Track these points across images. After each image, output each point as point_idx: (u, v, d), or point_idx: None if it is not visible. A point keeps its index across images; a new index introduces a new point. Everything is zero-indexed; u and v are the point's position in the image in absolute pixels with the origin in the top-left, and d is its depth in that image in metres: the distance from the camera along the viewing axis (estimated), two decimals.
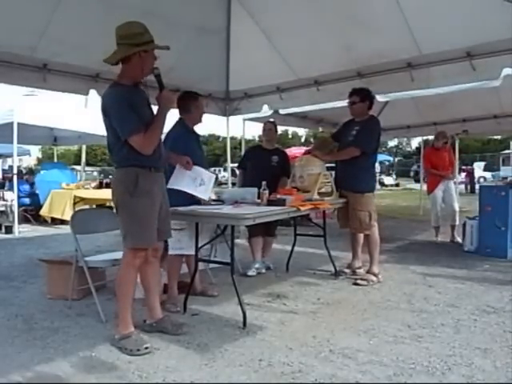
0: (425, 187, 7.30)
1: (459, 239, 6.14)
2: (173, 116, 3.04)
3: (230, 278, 3.04)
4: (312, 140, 40.26)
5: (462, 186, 17.49)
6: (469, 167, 22.42)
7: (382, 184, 25.00)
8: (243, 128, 8.06)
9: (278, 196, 3.56)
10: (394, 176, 30.19)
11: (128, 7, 3.82)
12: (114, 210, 2.74)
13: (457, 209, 6.27)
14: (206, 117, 3.80)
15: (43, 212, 8.66)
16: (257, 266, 4.45)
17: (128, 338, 2.59)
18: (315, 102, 5.89)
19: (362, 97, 4.12)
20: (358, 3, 4.17)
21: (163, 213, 2.74)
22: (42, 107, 8.72)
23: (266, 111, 6.21)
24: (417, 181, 19.42)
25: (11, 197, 8.51)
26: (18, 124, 7.39)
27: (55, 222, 8.67)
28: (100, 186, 10.05)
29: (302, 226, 4.92)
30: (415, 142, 41.82)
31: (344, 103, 4.40)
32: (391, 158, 38.87)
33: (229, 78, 5.90)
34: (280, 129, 5.11)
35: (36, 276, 4.29)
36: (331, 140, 4.45)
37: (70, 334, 2.85)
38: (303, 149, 12.46)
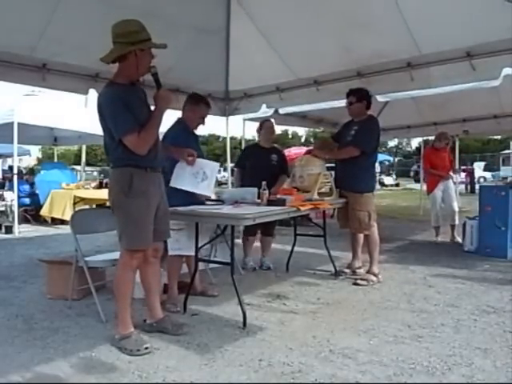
0: (425, 187, 7.29)
1: (459, 239, 6.14)
2: (170, 116, 3.02)
3: (230, 277, 3.04)
4: (312, 140, 40.30)
5: (462, 186, 17.48)
6: (469, 167, 22.41)
7: (382, 184, 25.00)
8: (243, 128, 8.08)
9: (278, 196, 3.57)
10: (394, 176, 30.18)
11: (127, 7, 3.80)
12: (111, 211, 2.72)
13: (456, 209, 6.26)
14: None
15: (43, 212, 8.65)
16: (251, 262, 4.68)
17: (128, 338, 2.59)
18: (315, 101, 5.90)
19: (359, 97, 4.13)
20: (357, 3, 4.16)
21: (161, 213, 2.71)
22: (42, 107, 8.69)
23: (265, 111, 6.22)
24: (417, 181, 19.42)
25: (11, 197, 8.49)
26: (18, 124, 7.37)
27: (55, 222, 8.66)
28: (100, 186, 10.02)
29: (301, 226, 4.92)
30: (415, 142, 41.97)
31: (344, 103, 4.40)
32: (391, 158, 38.84)
33: (228, 78, 5.89)
34: (280, 129, 5.14)
35: (36, 276, 4.29)
36: (331, 141, 4.46)
37: (70, 334, 2.85)
38: (303, 149, 12.46)
